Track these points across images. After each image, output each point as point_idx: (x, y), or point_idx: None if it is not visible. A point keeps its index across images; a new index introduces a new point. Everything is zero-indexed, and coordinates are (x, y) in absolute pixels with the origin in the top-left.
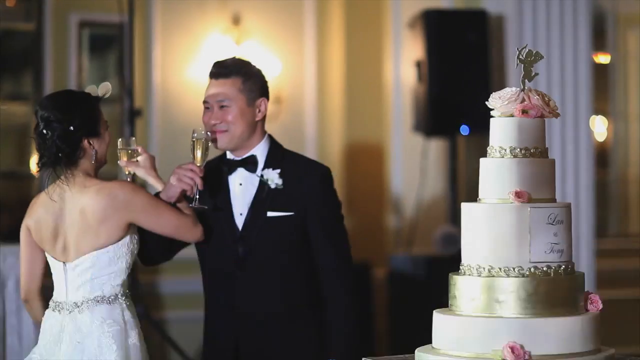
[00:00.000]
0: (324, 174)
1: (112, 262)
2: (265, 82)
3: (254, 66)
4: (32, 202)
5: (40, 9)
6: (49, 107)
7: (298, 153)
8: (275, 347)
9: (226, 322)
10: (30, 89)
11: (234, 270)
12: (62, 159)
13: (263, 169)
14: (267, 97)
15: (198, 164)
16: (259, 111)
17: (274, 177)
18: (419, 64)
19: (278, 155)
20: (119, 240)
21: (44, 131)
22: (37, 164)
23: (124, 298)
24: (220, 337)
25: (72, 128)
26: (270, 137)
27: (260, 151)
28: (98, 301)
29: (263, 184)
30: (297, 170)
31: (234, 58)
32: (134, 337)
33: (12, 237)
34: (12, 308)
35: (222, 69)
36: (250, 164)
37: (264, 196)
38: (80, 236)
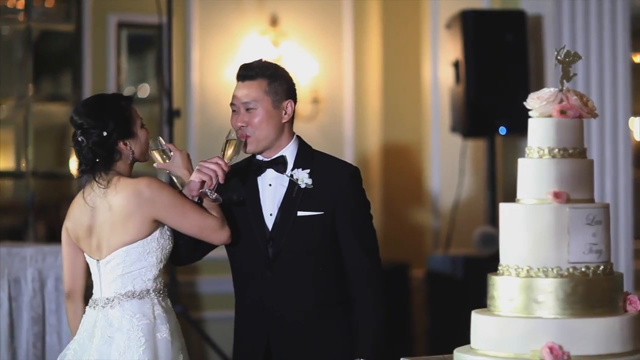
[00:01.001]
0: (353, 174)
1: (142, 257)
2: (293, 84)
3: (281, 68)
4: (71, 204)
5: (79, 10)
6: (82, 115)
7: (327, 153)
8: (306, 346)
9: (257, 322)
10: (69, 90)
11: (264, 271)
12: (100, 164)
13: (292, 169)
14: (295, 100)
15: (226, 160)
16: (286, 113)
17: (303, 177)
18: (456, 65)
19: (307, 156)
20: (148, 235)
21: (80, 139)
22: (78, 170)
23: (155, 293)
24: (251, 337)
25: (105, 133)
26: (299, 138)
27: (289, 152)
28: (129, 296)
29: (293, 184)
30: (327, 170)
31: (260, 60)
32: (164, 332)
33: (51, 237)
34: (52, 307)
35: (248, 71)
36: (279, 164)
37: (293, 196)
38: (110, 233)
